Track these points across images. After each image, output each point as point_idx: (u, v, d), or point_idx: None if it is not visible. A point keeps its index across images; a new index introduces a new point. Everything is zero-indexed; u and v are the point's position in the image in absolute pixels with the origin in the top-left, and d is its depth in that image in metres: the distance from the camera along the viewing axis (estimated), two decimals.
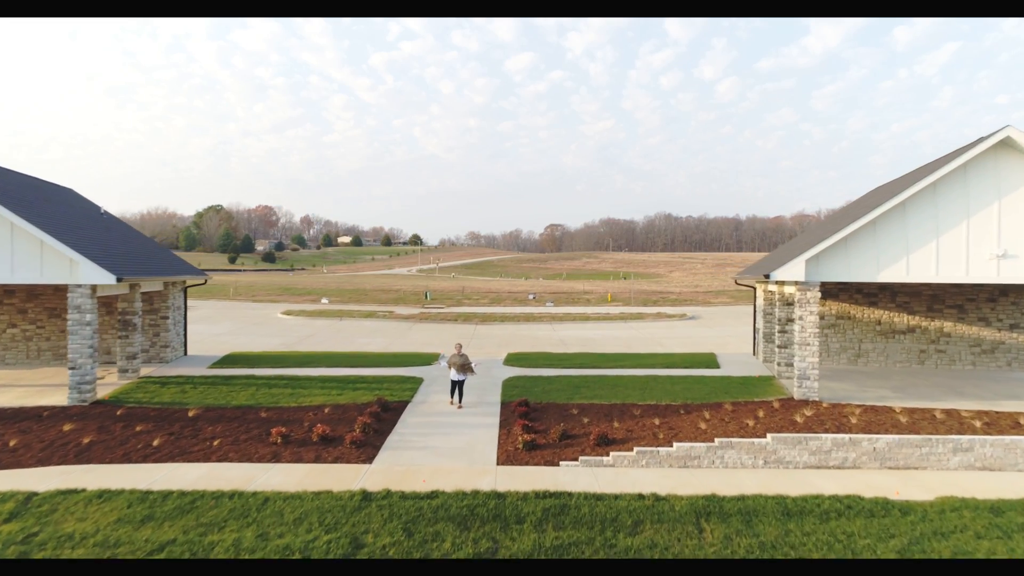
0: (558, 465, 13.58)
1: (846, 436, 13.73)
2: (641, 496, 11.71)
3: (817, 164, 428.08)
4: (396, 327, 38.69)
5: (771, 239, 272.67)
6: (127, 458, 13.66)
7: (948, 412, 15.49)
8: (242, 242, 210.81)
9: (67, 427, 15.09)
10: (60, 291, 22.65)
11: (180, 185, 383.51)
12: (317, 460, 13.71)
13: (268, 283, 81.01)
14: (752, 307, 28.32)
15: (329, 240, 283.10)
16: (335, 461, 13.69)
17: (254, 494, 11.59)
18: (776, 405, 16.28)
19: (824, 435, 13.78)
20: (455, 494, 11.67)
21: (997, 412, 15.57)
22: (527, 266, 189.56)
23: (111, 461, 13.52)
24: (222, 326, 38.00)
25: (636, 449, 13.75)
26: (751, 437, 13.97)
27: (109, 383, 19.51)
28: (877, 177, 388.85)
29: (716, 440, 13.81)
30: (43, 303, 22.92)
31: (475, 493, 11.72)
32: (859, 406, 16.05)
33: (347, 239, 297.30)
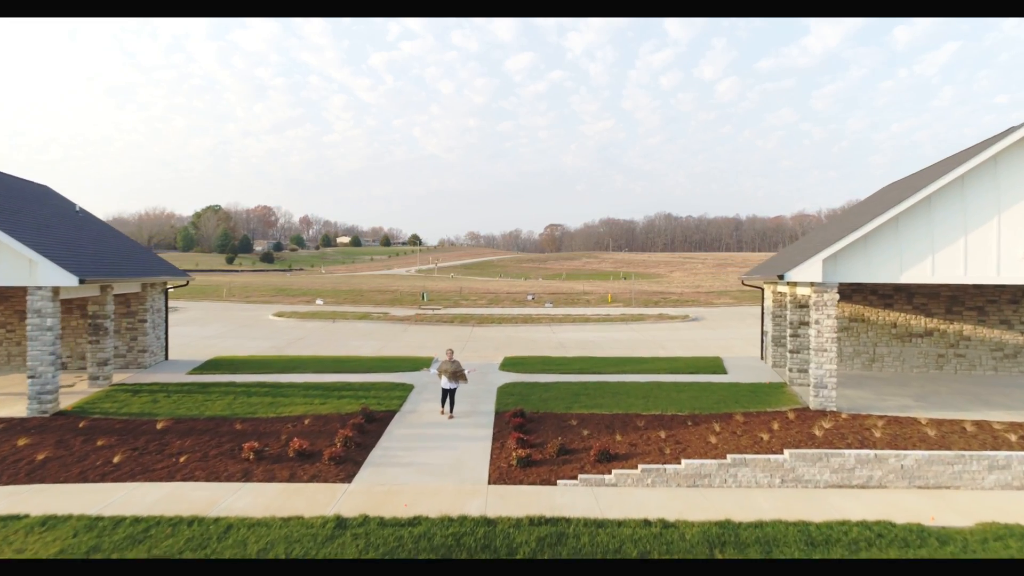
0: (555, 484, 12.39)
1: (871, 452, 12.53)
2: (647, 522, 10.52)
3: (817, 164, 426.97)
4: (390, 329, 37.50)
5: (771, 239, 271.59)
6: (83, 477, 12.47)
7: (979, 424, 14.30)
8: (240, 242, 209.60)
9: (21, 441, 13.90)
10: None
11: (180, 186, 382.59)
12: (291, 479, 12.52)
13: (263, 284, 79.81)
14: (759, 308, 27.14)
15: (328, 240, 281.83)
16: (311, 480, 12.50)
17: (216, 521, 10.39)
18: (791, 416, 15.07)
19: (847, 451, 12.57)
20: (440, 520, 10.48)
21: None
22: (526, 266, 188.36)
23: (65, 480, 12.33)
24: (211, 328, 36.81)
25: (641, 467, 12.55)
26: (766, 453, 12.77)
27: (78, 391, 18.33)
28: (877, 177, 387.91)
29: (728, 457, 12.61)
30: (13, 306, 21.74)
31: (462, 519, 10.53)
32: (881, 417, 14.85)
33: (346, 239, 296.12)
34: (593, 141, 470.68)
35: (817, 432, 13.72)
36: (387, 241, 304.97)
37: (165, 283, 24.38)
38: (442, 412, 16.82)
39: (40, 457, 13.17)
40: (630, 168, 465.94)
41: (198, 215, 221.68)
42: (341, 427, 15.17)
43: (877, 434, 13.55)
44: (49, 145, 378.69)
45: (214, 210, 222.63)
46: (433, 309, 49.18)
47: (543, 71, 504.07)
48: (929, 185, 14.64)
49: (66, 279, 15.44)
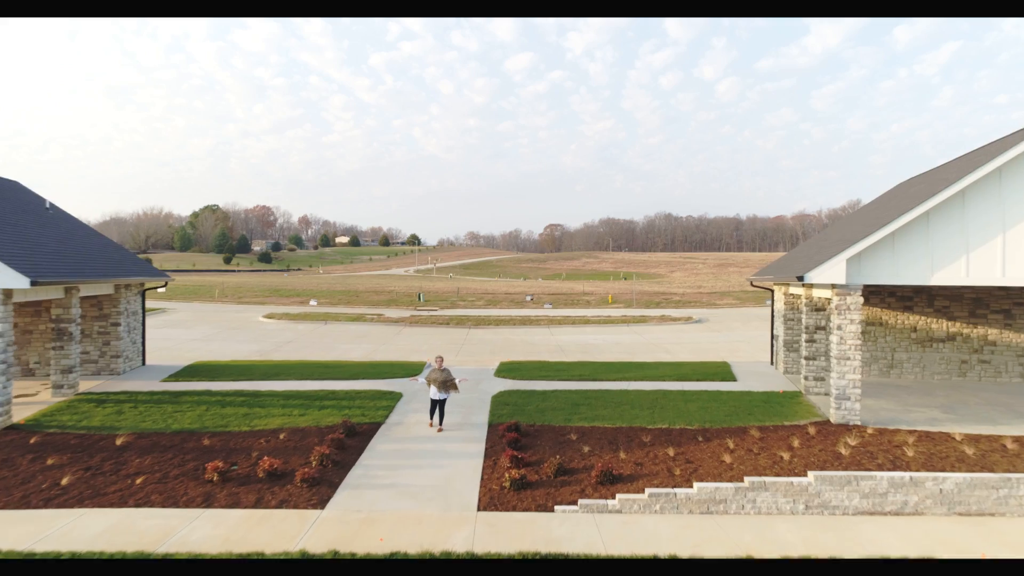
0: (552, 510, 11.07)
1: (905, 475, 11.20)
2: (657, 560, 9.20)
3: (817, 164, 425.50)
4: (383, 332, 36.19)
5: (771, 239, 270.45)
6: (25, 502, 11.15)
7: (1020, 441, 12.97)
8: (238, 242, 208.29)
9: None
10: None
11: (179, 186, 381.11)
12: (258, 504, 11.20)
13: (258, 284, 78.48)
14: (763, 310, 25.80)
15: (326, 240, 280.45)
16: (279, 505, 11.18)
17: (163, 559, 9.08)
18: (812, 431, 13.75)
19: (878, 473, 11.25)
20: (420, 558, 9.17)
21: None
22: (526, 266, 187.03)
23: (5, 506, 11.01)
24: (197, 331, 35.49)
25: (648, 491, 11.23)
26: (788, 475, 11.44)
27: (39, 401, 17.00)
28: (877, 177, 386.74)
29: (746, 479, 11.29)
30: None
31: (446, 557, 9.21)
32: (911, 432, 13.53)
33: (344, 239, 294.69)
34: (593, 141, 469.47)
35: (843, 450, 12.39)
36: (386, 241, 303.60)
37: (142, 284, 23.04)
38: (431, 424, 15.52)
39: None
40: (630, 168, 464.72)
41: (195, 215, 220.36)
42: (319, 443, 13.86)
43: (909, 453, 12.22)
44: (48, 145, 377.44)
45: (212, 210, 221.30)
46: (429, 311, 47.86)
47: (543, 71, 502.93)
48: (963, 178, 13.31)
49: (15, 280, 14.10)
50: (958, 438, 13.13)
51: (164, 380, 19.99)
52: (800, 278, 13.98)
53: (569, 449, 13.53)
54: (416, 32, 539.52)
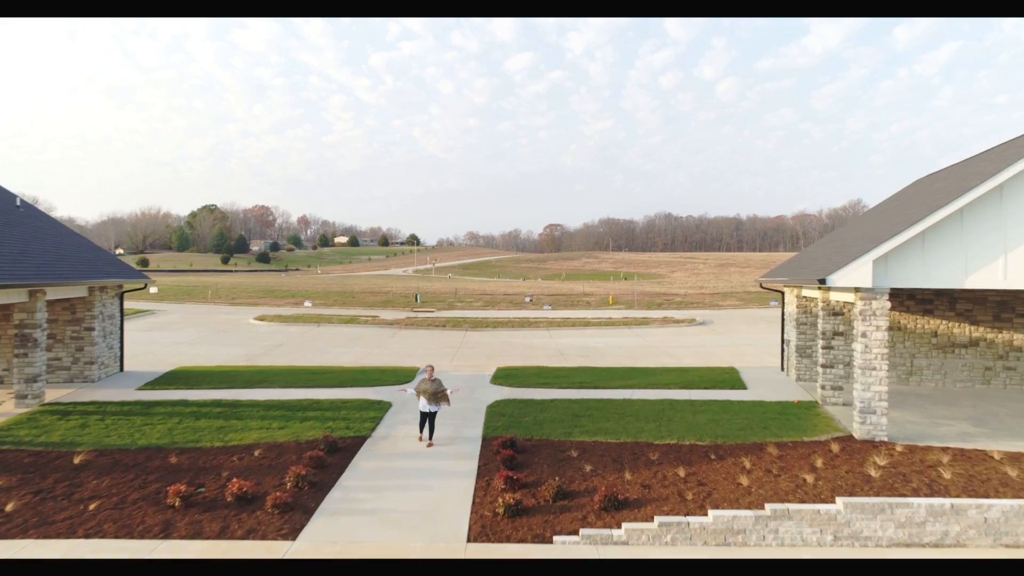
0: (551, 541, 9.90)
1: (945, 502, 10.04)
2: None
3: (817, 164, 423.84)
4: (377, 334, 35.02)
5: (772, 239, 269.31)
6: None
7: None
8: (236, 242, 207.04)
9: None
10: None
11: (179, 186, 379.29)
12: (222, 534, 10.04)
13: (253, 285, 77.30)
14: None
15: (325, 240, 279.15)
16: (246, 536, 10.01)
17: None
18: (835, 449, 12.57)
19: (915, 500, 10.09)
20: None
21: None
22: (525, 266, 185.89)
23: None
24: (184, 334, 34.32)
25: (658, 519, 10.05)
26: (814, 502, 10.28)
27: (2, 413, 15.84)
28: (877, 177, 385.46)
29: (767, 506, 10.12)
30: None
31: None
32: (944, 450, 12.37)
33: (344, 239, 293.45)
34: (593, 141, 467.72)
35: (872, 472, 11.23)
36: (385, 241, 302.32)
37: (120, 286, 21.87)
38: (420, 439, 14.36)
39: None
40: (630, 168, 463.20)
41: (193, 215, 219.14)
42: (296, 460, 12.70)
43: (946, 475, 11.05)
44: (48, 145, 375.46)
45: (210, 210, 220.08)
46: (426, 312, 46.70)
47: (543, 71, 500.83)
48: (1002, 171, 12.14)
49: None
50: (997, 457, 11.96)
51: (139, 388, 18.84)
52: (822, 281, 12.81)
53: (569, 468, 12.37)
54: (416, 32, 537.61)
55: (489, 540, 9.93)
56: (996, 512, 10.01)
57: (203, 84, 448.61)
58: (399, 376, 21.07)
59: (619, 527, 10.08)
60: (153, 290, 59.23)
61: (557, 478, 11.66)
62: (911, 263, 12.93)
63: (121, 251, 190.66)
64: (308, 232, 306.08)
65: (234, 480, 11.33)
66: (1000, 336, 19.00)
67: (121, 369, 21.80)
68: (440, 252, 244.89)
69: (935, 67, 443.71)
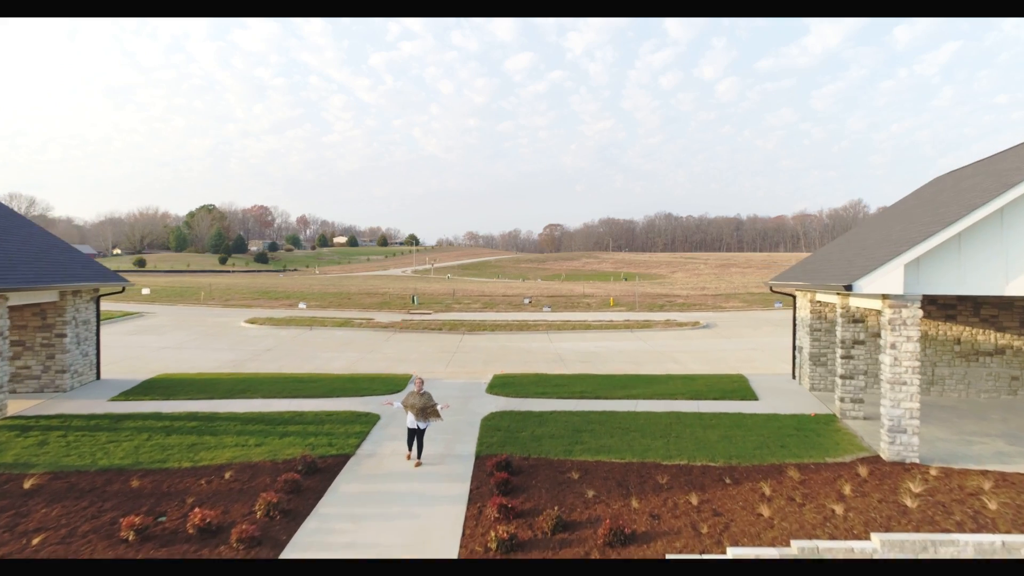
0: None
1: (996, 538, 8.89)
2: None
3: (817, 164, 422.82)
4: (371, 338, 33.86)
5: (772, 239, 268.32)
6: None
7: None
8: (234, 242, 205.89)
9: None
10: None
11: (179, 186, 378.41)
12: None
13: (247, 285, 76.16)
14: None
15: (324, 240, 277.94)
16: None
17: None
18: (863, 472, 11.42)
19: (960, 536, 8.94)
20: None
21: None
22: (525, 266, 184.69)
23: None
24: (171, 337, 33.15)
25: (670, 559, 8.90)
26: (846, 538, 9.12)
27: None
28: (877, 177, 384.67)
29: (793, 544, 8.97)
30: None
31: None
32: (982, 473, 11.23)
33: (343, 239, 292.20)
34: (593, 141, 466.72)
35: (907, 501, 10.08)
36: (384, 241, 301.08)
37: (96, 290, 20.74)
38: (408, 457, 13.22)
39: None
40: (630, 168, 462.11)
41: (191, 215, 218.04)
42: (270, 483, 11.56)
43: (991, 505, 9.91)
44: (48, 145, 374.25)
45: (208, 209, 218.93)
46: (422, 314, 45.54)
47: (543, 71, 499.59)
48: None
49: None
50: None
51: (113, 399, 17.71)
52: (848, 287, 11.66)
53: (570, 493, 11.23)
54: (416, 32, 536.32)
55: None
56: None
57: (203, 84, 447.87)
58: (390, 384, 19.95)
59: None
60: (145, 291, 58.06)
61: (556, 507, 10.51)
62: (946, 268, 11.80)
63: (119, 251, 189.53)
64: (307, 232, 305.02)
65: (197, 509, 10.18)
66: None
67: (97, 377, 20.69)
68: (439, 252, 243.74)
69: (935, 67, 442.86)
